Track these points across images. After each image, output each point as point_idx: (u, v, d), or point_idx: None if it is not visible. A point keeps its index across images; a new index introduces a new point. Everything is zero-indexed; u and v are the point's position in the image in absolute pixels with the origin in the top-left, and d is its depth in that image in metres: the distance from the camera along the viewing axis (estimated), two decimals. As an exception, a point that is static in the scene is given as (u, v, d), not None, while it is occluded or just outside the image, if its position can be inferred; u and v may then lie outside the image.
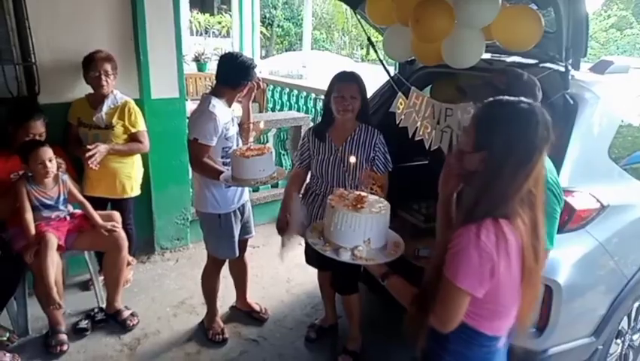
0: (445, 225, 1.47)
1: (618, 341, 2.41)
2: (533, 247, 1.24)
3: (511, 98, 1.26)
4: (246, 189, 2.67)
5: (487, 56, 2.52)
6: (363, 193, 1.54)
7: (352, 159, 1.63)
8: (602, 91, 2.24)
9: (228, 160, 2.45)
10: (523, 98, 1.24)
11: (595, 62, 2.64)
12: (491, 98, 1.28)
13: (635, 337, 2.55)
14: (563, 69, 2.16)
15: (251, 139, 2.55)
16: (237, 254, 2.68)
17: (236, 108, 2.65)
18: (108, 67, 2.89)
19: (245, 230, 2.77)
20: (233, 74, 2.43)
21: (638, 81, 2.59)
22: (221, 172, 2.35)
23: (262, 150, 2.29)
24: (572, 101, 2.11)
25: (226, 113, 2.45)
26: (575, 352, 2.14)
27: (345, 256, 1.44)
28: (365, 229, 1.45)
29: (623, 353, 2.50)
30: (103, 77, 2.87)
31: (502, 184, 1.20)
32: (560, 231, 1.76)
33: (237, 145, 2.52)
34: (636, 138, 2.55)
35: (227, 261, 2.81)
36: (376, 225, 1.48)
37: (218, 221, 2.54)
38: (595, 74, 2.44)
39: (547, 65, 2.32)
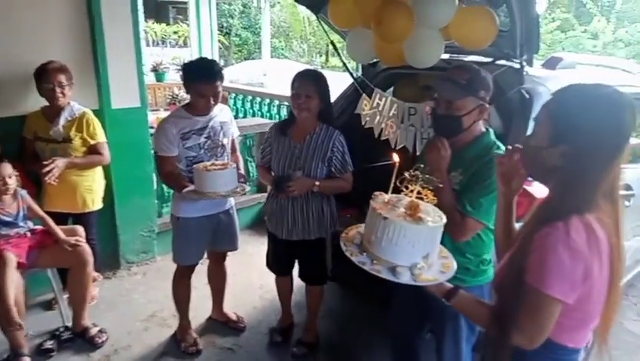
0: (504, 232, 1.32)
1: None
2: (617, 246, 1.11)
3: (589, 84, 1.13)
4: (229, 200, 2.62)
5: (445, 56, 2.61)
6: (415, 200, 1.31)
7: (396, 158, 1.36)
8: (554, 85, 2.36)
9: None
10: (601, 83, 1.13)
11: (545, 59, 2.78)
12: (566, 85, 1.15)
13: (596, 318, 2.67)
14: (517, 66, 2.27)
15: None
16: (188, 263, 2.61)
17: (220, 114, 2.57)
18: (62, 78, 2.79)
19: (222, 241, 2.71)
20: (185, 78, 2.40)
21: (585, 76, 2.74)
22: (184, 186, 2.35)
23: (225, 165, 2.33)
24: (527, 96, 2.22)
25: (186, 122, 2.42)
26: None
27: (405, 278, 1.23)
28: (425, 244, 1.24)
29: (586, 334, 2.62)
30: (57, 89, 2.77)
31: (590, 179, 1.08)
32: (520, 220, 1.81)
33: (219, 154, 2.47)
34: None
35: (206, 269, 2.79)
36: (436, 238, 1.28)
37: (177, 224, 2.55)
38: (547, 69, 2.56)
39: (503, 62, 2.43)
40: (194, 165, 2.35)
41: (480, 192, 1.67)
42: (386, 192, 1.38)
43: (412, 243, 1.22)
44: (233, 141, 2.66)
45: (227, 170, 2.29)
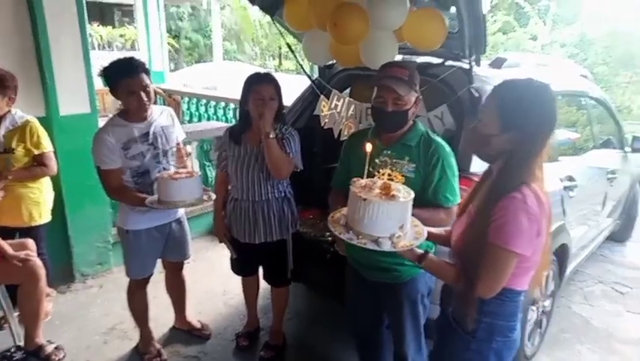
0: None
1: (533, 307, 2.67)
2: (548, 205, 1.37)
3: (522, 79, 1.38)
4: (177, 210, 2.56)
5: (399, 57, 2.69)
6: (387, 181, 1.52)
7: (369, 147, 1.55)
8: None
9: (141, 181, 2.36)
10: (530, 78, 1.37)
11: (491, 59, 2.92)
12: (503, 81, 1.39)
13: (546, 303, 2.84)
14: (467, 66, 2.38)
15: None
16: (142, 276, 2.53)
17: (161, 118, 2.45)
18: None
19: (174, 251, 2.63)
20: (109, 82, 2.24)
21: (528, 74, 2.89)
22: (141, 198, 2.27)
23: (191, 173, 2.28)
24: (476, 94, 2.33)
25: (124, 131, 2.29)
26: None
27: (387, 246, 1.45)
28: (399, 217, 1.46)
29: (539, 318, 2.78)
30: None
31: (532, 157, 1.34)
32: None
33: (163, 160, 2.42)
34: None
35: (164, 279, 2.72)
36: (408, 210, 1.50)
37: (126, 237, 2.44)
38: (493, 69, 2.69)
39: (452, 63, 2.54)
40: (158, 174, 2.29)
41: (451, 180, 1.85)
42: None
43: (389, 217, 1.44)
44: (178, 146, 2.54)
45: (194, 178, 2.25)
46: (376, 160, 1.86)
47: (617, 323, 3.20)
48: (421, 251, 1.49)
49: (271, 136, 2.21)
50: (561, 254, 2.81)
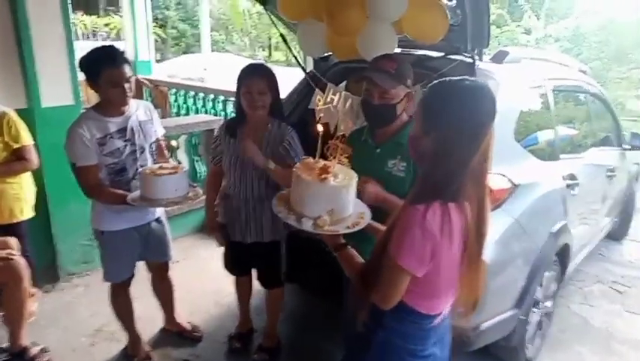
0: None
1: (535, 309, 2.61)
2: (477, 228, 1.24)
3: (454, 79, 1.26)
4: (156, 209, 2.43)
5: (398, 50, 2.60)
6: (329, 163, 1.49)
7: (320, 127, 1.53)
8: (502, 78, 2.42)
9: (118, 179, 2.23)
10: (466, 77, 1.25)
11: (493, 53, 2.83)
12: (435, 82, 1.27)
13: (548, 304, 2.79)
14: (469, 60, 2.30)
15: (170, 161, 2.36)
16: (120, 279, 2.41)
17: (139, 113, 2.31)
18: None
19: (155, 252, 2.52)
20: (89, 73, 2.11)
21: (529, 71, 2.82)
22: (122, 195, 2.14)
23: (176, 169, 2.16)
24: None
25: (100, 126, 2.16)
26: (502, 324, 2.28)
27: (307, 225, 1.42)
28: (328, 200, 1.42)
29: (540, 320, 2.72)
30: None
31: (451, 163, 1.19)
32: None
33: (141, 157, 2.30)
34: (528, 123, 2.77)
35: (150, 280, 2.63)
36: (340, 196, 1.45)
37: (102, 239, 2.33)
38: (495, 63, 2.61)
39: (454, 56, 2.45)
40: (140, 170, 2.18)
41: None
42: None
43: (315, 198, 1.42)
44: (158, 142, 2.43)
45: (178, 174, 2.14)
46: (329, 142, 1.75)
47: (616, 323, 3.17)
48: (343, 241, 1.44)
49: (271, 167, 2.10)
50: (563, 255, 2.76)
